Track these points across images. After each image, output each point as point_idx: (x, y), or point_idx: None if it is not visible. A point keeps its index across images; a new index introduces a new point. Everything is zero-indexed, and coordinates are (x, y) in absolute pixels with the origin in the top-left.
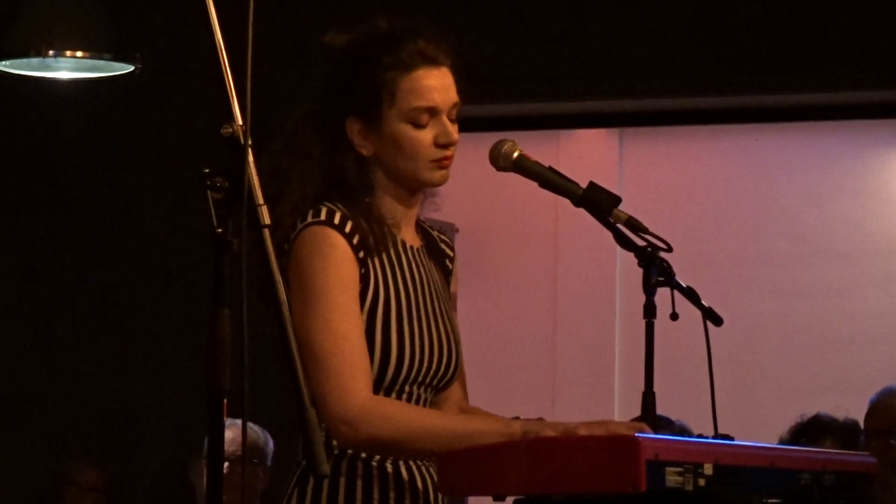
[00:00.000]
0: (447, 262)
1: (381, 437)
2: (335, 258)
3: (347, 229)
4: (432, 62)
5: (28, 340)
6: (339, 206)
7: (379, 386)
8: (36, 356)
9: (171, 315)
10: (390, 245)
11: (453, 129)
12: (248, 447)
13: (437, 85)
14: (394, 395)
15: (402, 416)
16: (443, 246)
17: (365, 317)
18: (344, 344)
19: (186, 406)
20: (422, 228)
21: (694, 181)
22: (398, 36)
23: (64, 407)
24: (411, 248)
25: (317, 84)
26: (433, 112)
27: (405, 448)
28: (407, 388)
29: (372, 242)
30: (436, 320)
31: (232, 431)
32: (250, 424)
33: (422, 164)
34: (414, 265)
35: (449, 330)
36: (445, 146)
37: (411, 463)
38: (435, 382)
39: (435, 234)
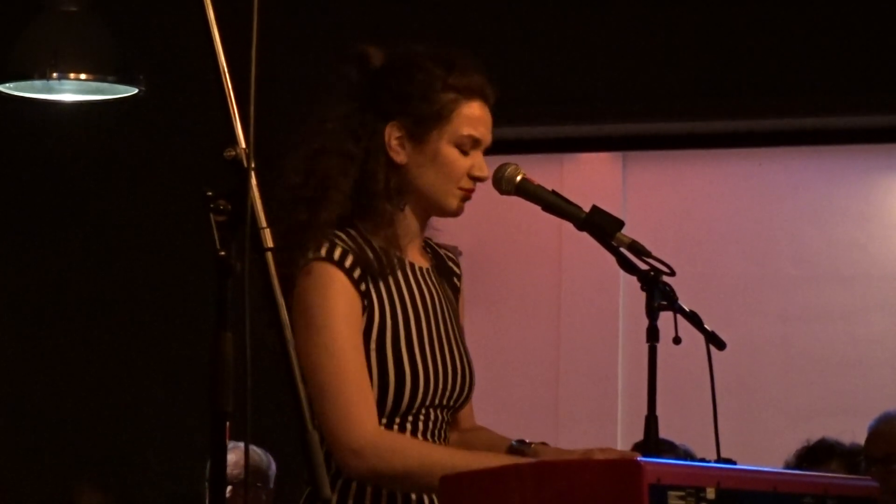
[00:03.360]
0: (455, 279)
1: (390, 470)
2: (335, 292)
3: (348, 264)
4: (486, 99)
5: (33, 363)
6: (347, 238)
7: (396, 411)
8: (40, 378)
9: (175, 338)
10: (398, 269)
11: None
12: (251, 470)
13: (487, 121)
14: (411, 418)
15: (411, 449)
16: (450, 264)
17: (375, 345)
18: (349, 375)
19: (191, 428)
20: (430, 247)
21: (697, 205)
22: (462, 63)
23: (69, 429)
24: (420, 269)
25: (350, 85)
26: (476, 145)
27: (414, 482)
28: (424, 412)
29: (377, 268)
30: (448, 341)
31: (235, 454)
32: (253, 447)
33: (451, 189)
34: (424, 286)
35: (461, 349)
36: (476, 179)
37: None
38: (451, 403)
39: (442, 252)
